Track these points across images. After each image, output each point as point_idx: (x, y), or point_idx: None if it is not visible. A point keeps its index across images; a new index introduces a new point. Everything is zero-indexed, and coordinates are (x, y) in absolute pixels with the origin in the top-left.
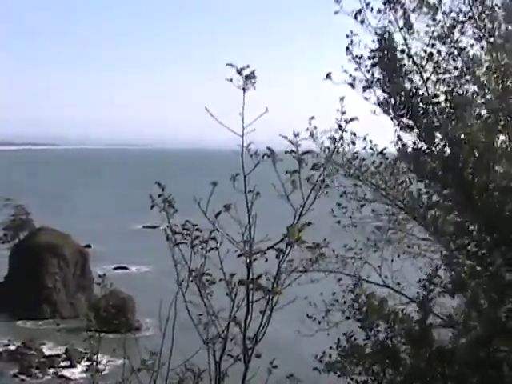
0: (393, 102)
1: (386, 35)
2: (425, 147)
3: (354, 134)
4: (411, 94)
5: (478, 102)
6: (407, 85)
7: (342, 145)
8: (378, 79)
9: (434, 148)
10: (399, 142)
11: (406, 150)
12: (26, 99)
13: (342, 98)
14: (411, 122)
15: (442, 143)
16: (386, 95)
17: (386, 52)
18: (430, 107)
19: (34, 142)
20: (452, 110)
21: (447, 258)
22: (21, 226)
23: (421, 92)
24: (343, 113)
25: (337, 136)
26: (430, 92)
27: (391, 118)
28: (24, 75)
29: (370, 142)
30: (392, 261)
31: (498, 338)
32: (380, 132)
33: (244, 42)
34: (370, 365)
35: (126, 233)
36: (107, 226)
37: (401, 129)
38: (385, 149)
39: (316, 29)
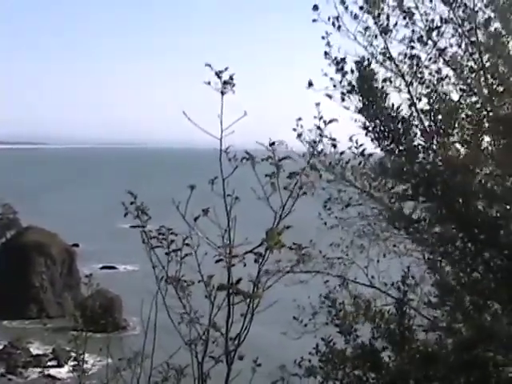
0: (373, 125)
1: (366, 62)
2: (406, 164)
3: (334, 139)
4: (392, 117)
5: (463, 103)
6: (387, 110)
7: (322, 150)
8: (361, 104)
9: (415, 166)
10: (379, 161)
11: (386, 168)
12: (22, 98)
13: (317, 104)
14: (393, 145)
15: (424, 161)
16: (365, 119)
17: (365, 79)
18: (412, 129)
19: (29, 141)
20: (434, 126)
21: (432, 264)
22: (8, 224)
23: (401, 115)
24: (320, 118)
25: (317, 139)
26: (412, 95)
27: (371, 140)
28: (20, 74)
29: (356, 142)
30: (378, 261)
31: (483, 342)
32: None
33: (244, 40)
34: (352, 369)
35: (113, 232)
36: (95, 224)
37: (381, 150)
38: (365, 150)
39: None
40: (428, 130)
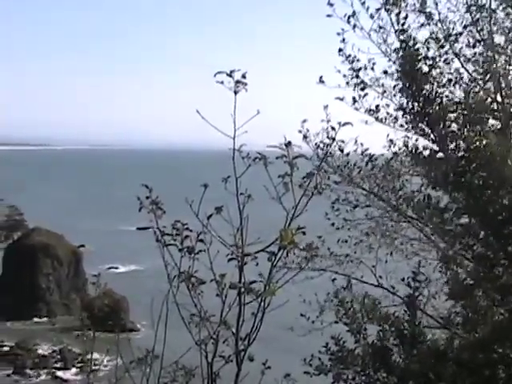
0: (411, 107)
1: (411, 42)
2: (439, 152)
3: (343, 141)
4: (430, 100)
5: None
6: (427, 91)
7: (331, 153)
8: (369, 84)
9: (447, 153)
10: (413, 147)
11: (419, 154)
12: (20, 98)
13: (325, 107)
14: (428, 128)
15: (456, 149)
16: (404, 101)
17: (409, 58)
18: (448, 114)
19: (28, 143)
20: (469, 117)
21: (447, 259)
22: (14, 226)
23: (439, 99)
24: (328, 121)
25: (328, 142)
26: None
27: (406, 122)
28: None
29: (361, 144)
30: (386, 262)
31: (498, 341)
32: (371, 136)
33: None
34: (362, 368)
35: (120, 234)
36: (102, 226)
37: (415, 133)
38: (373, 155)
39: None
40: (462, 118)
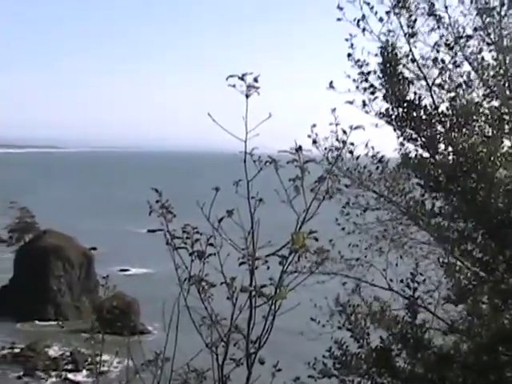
0: (396, 113)
1: (390, 48)
2: (428, 156)
3: (352, 144)
4: (414, 105)
5: (485, 106)
6: (410, 96)
7: (341, 157)
8: (381, 89)
9: (437, 157)
10: (402, 152)
11: (409, 159)
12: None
13: (333, 110)
14: (414, 133)
15: (446, 152)
16: (388, 106)
17: (389, 64)
18: (434, 118)
19: (38, 145)
20: (455, 119)
21: (448, 266)
22: (26, 228)
23: (424, 103)
24: (337, 124)
25: (339, 146)
26: (434, 98)
27: (394, 129)
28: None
29: (372, 148)
30: (396, 265)
31: (501, 345)
32: (382, 139)
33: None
34: (366, 372)
35: (130, 235)
36: (113, 228)
37: (404, 139)
38: (383, 157)
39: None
40: (449, 122)
